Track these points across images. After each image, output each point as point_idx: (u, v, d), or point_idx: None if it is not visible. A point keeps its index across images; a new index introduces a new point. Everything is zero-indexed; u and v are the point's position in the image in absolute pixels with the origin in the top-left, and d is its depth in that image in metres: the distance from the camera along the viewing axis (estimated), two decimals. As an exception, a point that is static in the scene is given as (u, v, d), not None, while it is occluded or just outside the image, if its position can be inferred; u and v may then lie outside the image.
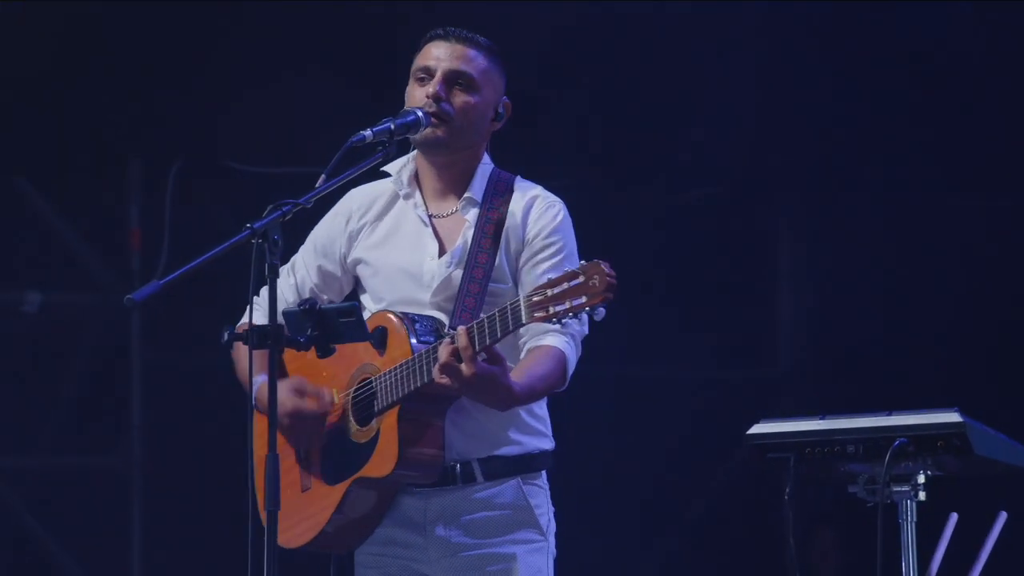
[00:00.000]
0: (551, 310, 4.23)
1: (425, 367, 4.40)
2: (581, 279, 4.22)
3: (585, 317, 4.30)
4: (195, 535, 7.92)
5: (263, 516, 4.36)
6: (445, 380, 4.33)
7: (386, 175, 4.70)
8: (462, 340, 4.31)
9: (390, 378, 4.47)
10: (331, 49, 7.70)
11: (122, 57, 7.59)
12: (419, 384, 4.41)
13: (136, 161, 8.07)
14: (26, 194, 7.94)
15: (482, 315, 4.36)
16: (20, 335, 7.95)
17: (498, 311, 4.32)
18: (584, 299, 4.21)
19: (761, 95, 8.09)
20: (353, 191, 4.68)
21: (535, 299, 4.26)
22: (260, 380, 4.43)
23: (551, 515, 4.62)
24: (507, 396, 4.40)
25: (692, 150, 8.19)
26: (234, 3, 7.62)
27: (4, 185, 7.86)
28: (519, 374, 4.42)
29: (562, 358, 4.51)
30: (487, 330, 4.31)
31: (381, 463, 4.46)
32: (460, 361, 4.30)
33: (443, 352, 4.33)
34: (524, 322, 4.27)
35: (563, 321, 4.24)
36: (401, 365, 4.45)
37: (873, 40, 7.88)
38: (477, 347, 4.31)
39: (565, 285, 4.24)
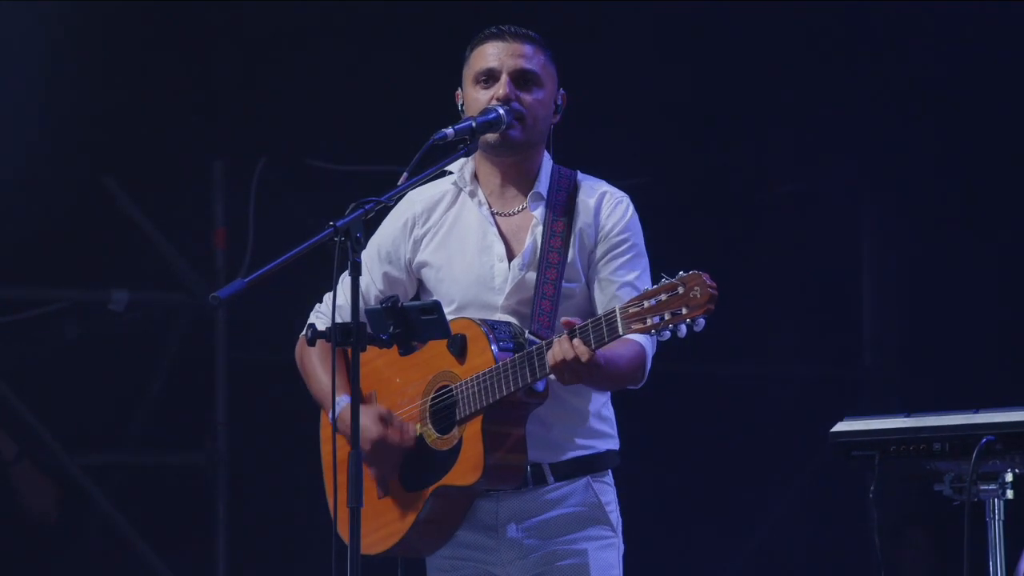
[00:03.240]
0: (648, 321, 4.22)
1: (511, 376, 4.39)
2: (681, 290, 4.20)
3: (684, 328, 4.25)
4: (279, 532, 7.96)
5: (338, 517, 4.37)
6: (573, 379, 4.33)
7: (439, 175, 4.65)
8: (581, 349, 4.30)
9: (472, 386, 4.45)
10: (414, 47, 7.71)
11: (206, 57, 7.64)
12: (505, 393, 4.40)
13: (220, 160, 8.13)
14: (113, 194, 8.00)
15: (575, 322, 4.33)
16: (107, 333, 8.02)
17: (591, 322, 4.30)
18: (684, 310, 4.19)
19: (845, 92, 8.04)
20: (412, 194, 4.64)
21: (631, 310, 4.24)
22: (343, 402, 4.44)
23: (619, 511, 4.62)
24: (595, 374, 4.38)
25: (777, 146, 8.16)
26: (316, 2, 7.65)
27: (91, 184, 7.93)
28: (604, 350, 4.38)
29: (642, 353, 4.49)
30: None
31: (465, 472, 4.45)
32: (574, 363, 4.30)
33: (561, 349, 4.30)
34: (621, 334, 4.26)
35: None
36: (484, 374, 4.44)
37: (958, 39, 7.82)
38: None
39: (663, 296, 4.21)
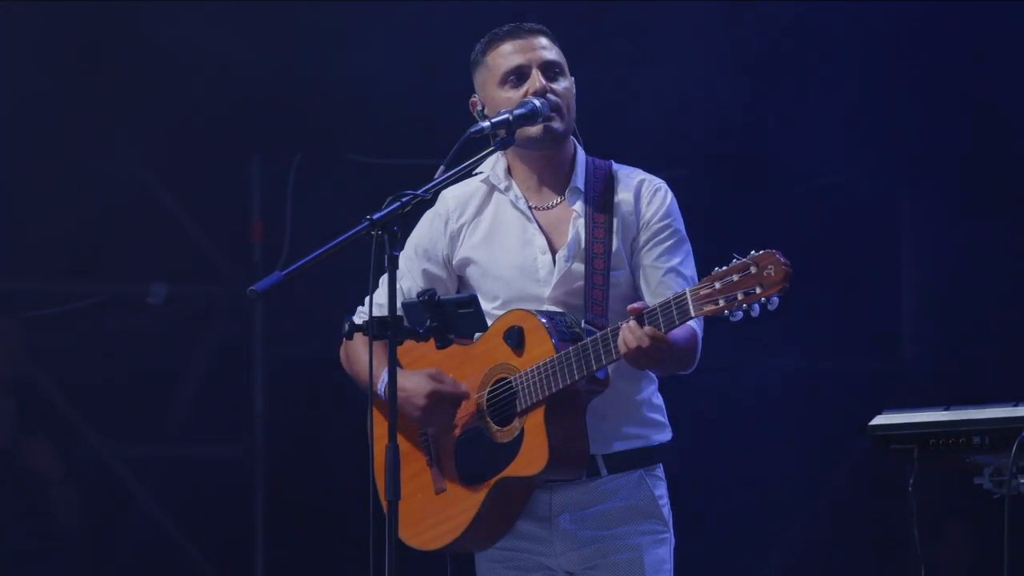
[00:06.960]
0: (721, 302, 4.18)
1: (573, 365, 4.37)
2: (753, 269, 4.16)
3: (757, 307, 4.19)
4: (317, 525, 7.98)
5: (385, 507, 4.37)
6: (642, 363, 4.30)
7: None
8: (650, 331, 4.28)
9: (533, 377, 4.43)
10: (451, 42, 7.71)
11: (245, 51, 7.65)
12: (568, 382, 4.39)
13: (258, 154, 8.14)
14: (151, 188, 8.03)
15: (642, 307, 4.30)
16: (145, 326, 8.04)
17: (660, 305, 4.28)
18: (759, 289, 4.16)
19: (885, 84, 8.01)
20: (444, 192, 4.64)
21: (703, 292, 4.21)
22: (385, 375, 4.42)
23: (670, 505, 4.61)
24: (668, 355, 4.36)
25: (815, 138, 8.13)
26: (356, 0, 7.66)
27: (130, 179, 7.95)
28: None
29: (695, 335, 4.48)
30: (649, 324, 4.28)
31: (529, 462, 4.43)
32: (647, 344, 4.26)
33: (634, 335, 4.27)
34: (693, 315, 4.23)
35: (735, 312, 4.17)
36: (545, 364, 4.42)
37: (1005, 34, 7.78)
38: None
39: (735, 276, 4.18)
